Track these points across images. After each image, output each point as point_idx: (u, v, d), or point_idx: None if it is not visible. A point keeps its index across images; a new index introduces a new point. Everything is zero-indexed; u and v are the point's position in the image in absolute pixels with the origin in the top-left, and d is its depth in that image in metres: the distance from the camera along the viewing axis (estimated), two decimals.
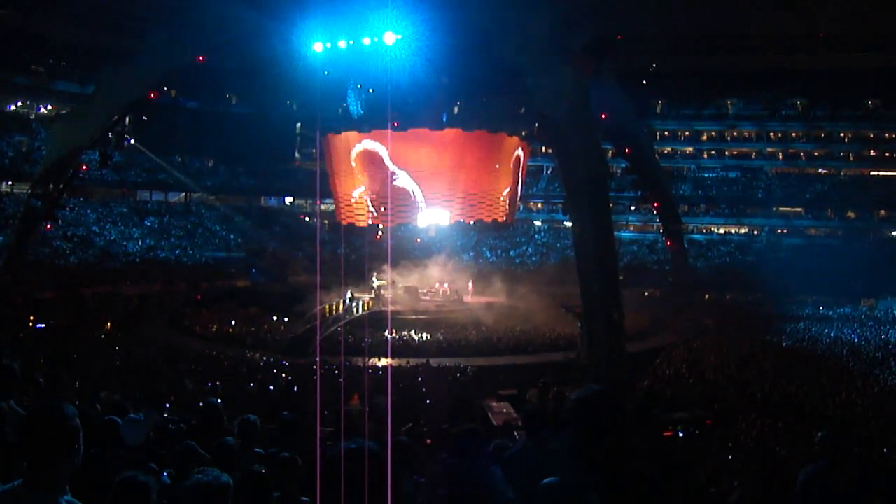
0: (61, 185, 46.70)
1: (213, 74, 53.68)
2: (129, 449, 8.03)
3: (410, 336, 47.36)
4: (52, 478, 4.24)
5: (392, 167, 58.69)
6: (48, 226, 49.85)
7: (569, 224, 51.88)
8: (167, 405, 19.67)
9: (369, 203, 60.52)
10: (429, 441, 15.11)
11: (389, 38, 40.78)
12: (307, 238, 79.59)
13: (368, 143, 58.57)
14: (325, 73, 45.64)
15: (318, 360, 36.90)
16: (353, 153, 59.19)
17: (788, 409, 27.37)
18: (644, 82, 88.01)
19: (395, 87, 45.93)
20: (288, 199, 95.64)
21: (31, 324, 43.91)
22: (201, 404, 13.23)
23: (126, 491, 4.93)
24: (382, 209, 60.39)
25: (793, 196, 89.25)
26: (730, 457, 18.29)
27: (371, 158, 59.25)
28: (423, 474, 7.42)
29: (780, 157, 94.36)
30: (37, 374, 14.09)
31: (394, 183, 58.81)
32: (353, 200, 61.50)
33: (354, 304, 50.54)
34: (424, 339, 46.94)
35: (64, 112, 60.72)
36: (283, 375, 34.48)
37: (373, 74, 47.71)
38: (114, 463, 7.31)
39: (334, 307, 49.59)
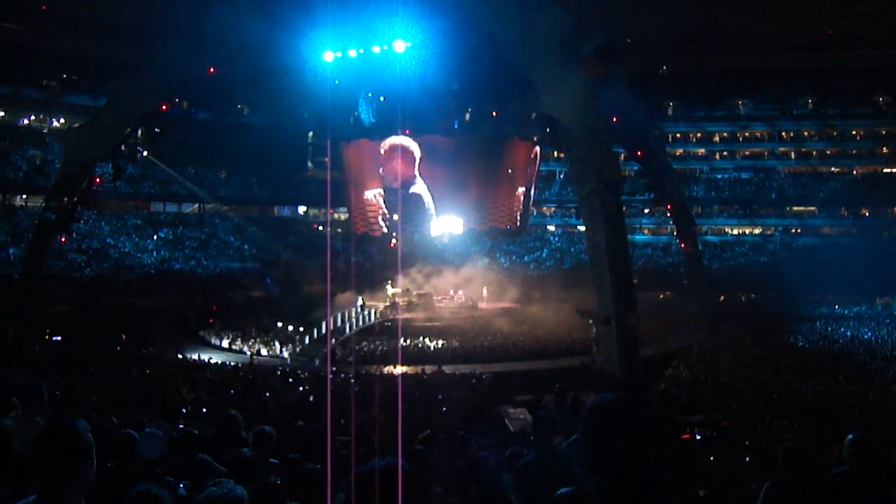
0: (75, 198, 46.71)
1: (225, 85, 53.62)
2: (146, 462, 8.04)
3: (425, 343, 47.37)
4: (65, 493, 4.26)
5: (416, 169, 58.72)
6: (63, 239, 49.83)
7: (582, 228, 51.83)
8: (184, 411, 19.70)
9: (382, 204, 60.34)
10: (443, 448, 15.06)
11: (399, 45, 40.84)
12: (321, 247, 79.60)
13: (405, 140, 58.47)
14: (336, 81, 45.68)
15: (329, 368, 36.87)
16: (386, 144, 58.90)
17: (805, 409, 27.30)
18: (654, 85, 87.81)
19: (405, 94, 45.94)
20: (301, 209, 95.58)
21: (47, 337, 44.03)
22: (217, 416, 13.25)
23: None
24: (395, 217, 60.34)
25: (806, 195, 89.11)
26: (747, 458, 18.26)
27: (402, 153, 59.03)
28: (437, 483, 7.40)
29: (793, 156, 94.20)
30: (53, 388, 14.15)
31: (412, 187, 58.85)
32: (367, 206, 61.29)
33: (366, 313, 50.68)
34: (439, 346, 46.93)
35: (77, 125, 60.77)
36: (300, 385, 34.49)
37: (383, 82, 47.72)
38: (130, 476, 7.34)
39: (346, 316, 49.74)
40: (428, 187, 58.71)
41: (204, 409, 23.28)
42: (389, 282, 57.63)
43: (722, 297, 66.70)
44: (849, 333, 52.12)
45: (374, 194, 60.45)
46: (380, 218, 60.64)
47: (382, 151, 58.94)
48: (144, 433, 8.60)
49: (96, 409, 15.77)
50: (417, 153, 57.91)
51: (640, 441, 3.73)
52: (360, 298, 51.71)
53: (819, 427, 23.02)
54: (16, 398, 10.11)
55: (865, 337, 50.39)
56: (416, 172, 58.34)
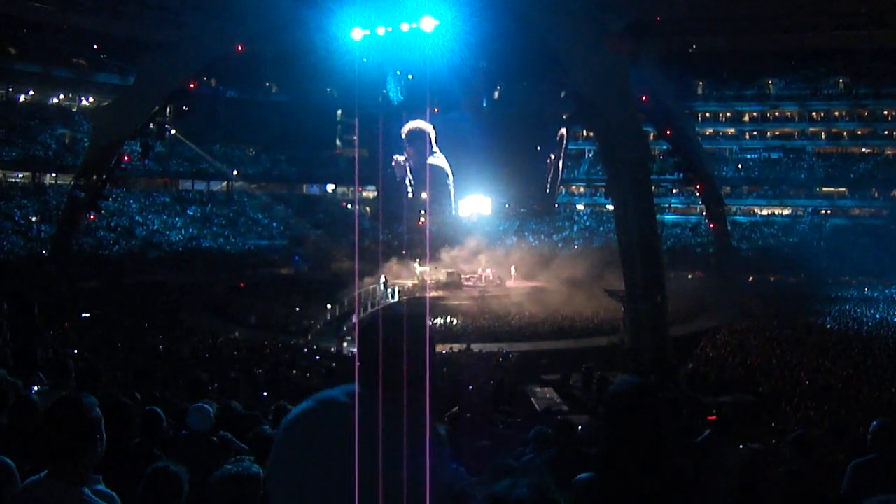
0: (104, 176, 46.98)
1: (253, 63, 53.78)
2: (168, 438, 8.07)
3: (452, 321, 47.35)
4: (74, 469, 4.26)
5: (433, 144, 58.91)
6: (92, 216, 50.12)
7: (611, 207, 51.68)
8: (210, 388, 19.69)
9: (408, 170, 60.55)
10: (469, 427, 15.00)
11: (428, 23, 40.67)
12: (349, 225, 79.67)
13: (420, 123, 58.69)
14: (365, 59, 45.63)
15: (355, 345, 36.98)
16: (405, 129, 59.18)
17: (833, 392, 27.16)
18: (684, 63, 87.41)
19: (434, 72, 45.85)
20: (330, 187, 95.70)
21: (75, 313, 44.26)
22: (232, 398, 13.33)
23: (158, 481, 4.95)
24: (423, 195, 60.48)
25: (836, 176, 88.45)
26: (773, 441, 18.16)
27: (418, 135, 59.30)
28: (462, 463, 7.34)
29: (823, 136, 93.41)
30: (80, 364, 14.17)
31: (431, 158, 59.03)
32: (395, 165, 61.58)
33: (389, 290, 50.73)
34: (467, 324, 46.91)
35: (105, 104, 61.03)
36: (327, 362, 34.53)
37: (412, 60, 47.65)
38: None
39: (368, 294, 49.81)
40: (453, 166, 58.88)
41: (210, 386, 23.28)
42: (418, 260, 57.65)
43: (751, 278, 66.44)
44: (878, 316, 51.77)
45: (402, 158, 60.62)
46: (406, 181, 60.88)
47: (403, 136, 59.21)
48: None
49: (121, 386, 15.80)
50: (432, 132, 58.06)
51: (663, 428, 3.65)
52: (382, 276, 51.77)
53: (847, 411, 22.90)
54: (42, 373, 10.15)
55: (895, 320, 50.07)
56: (434, 147, 58.48)
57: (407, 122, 58.78)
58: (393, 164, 60.08)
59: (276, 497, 3.43)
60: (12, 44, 76.32)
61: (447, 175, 59.55)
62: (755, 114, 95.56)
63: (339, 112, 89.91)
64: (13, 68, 76.99)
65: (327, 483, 3.21)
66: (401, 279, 55.05)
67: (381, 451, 3.15)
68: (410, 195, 62.40)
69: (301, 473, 3.30)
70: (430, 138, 58.50)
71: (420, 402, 3.38)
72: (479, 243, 67.18)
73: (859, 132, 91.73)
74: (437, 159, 59.17)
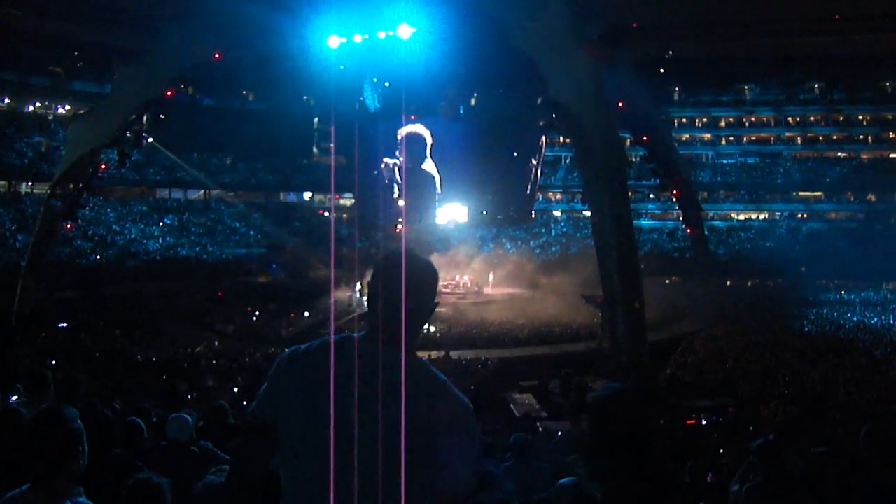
0: (81, 185, 46.66)
1: (230, 71, 53.48)
2: (147, 450, 8.05)
3: (430, 329, 47.31)
4: (56, 482, 4.25)
5: (427, 151, 59.04)
6: (68, 225, 49.74)
7: (588, 214, 51.75)
8: (189, 397, 19.67)
9: (396, 173, 60.59)
10: None
11: (404, 31, 40.66)
12: (326, 233, 79.54)
13: (419, 127, 58.82)
14: (341, 67, 45.56)
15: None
16: (403, 131, 59.29)
17: (811, 395, 27.27)
18: (660, 70, 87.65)
19: (411, 80, 45.82)
20: (307, 195, 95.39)
21: (55, 324, 44.09)
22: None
23: (140, 492, 4.95)
24: (401, 203, 60.51)
25: (812, 180, 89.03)
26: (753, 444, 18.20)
27: (416, 139, 59.35)
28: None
29: (799, 141, 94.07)
30: (58, 374, 14.13)
31: (422, 163, 59.11)
32: (384, 166, 61.71)
33: (364, 298, 50.72)
34: (445, 331, 46.90)
35: (82, 112, 60.72)
36: None
37: (389, 68, 47.61)
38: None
39: (345, 302, 49.82)
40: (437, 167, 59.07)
41: (189, 395, 23.25)
42: None
43: (728, 283, 66.65)
44: (855, 319, 52.13)
45: (392, 162, 60.74)
46: (394, 185, 60.93)
47: (399, 137, 59.28)
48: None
49: (100, 397, 15.76)
50: (429, 139, 58.18)
51: (650, 432, 3.67)
52: (359, 284, 51.73)
53: (825, 413, 23.00)
54: (20, 385, 10.11)
55: (872, 322, 50.41)
56: (427, 154, 58.60)
57: (383, 128, 58.78)
58: (382, 166, 60.10)
59: (284, 422, 3.52)
60: None
61: (435, 182, 59.64)
62: (731, 119, 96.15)
63: (316, 120, 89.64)
64: None
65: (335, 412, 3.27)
66: None
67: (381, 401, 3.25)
68: (396, 195, 62.40)
69: (311, 400, 3.43)
70: (427, 144, 58.68)
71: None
72: (461, 251, 67.31)
73: (835, 137, 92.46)
74: (429, 165, 59.32)
